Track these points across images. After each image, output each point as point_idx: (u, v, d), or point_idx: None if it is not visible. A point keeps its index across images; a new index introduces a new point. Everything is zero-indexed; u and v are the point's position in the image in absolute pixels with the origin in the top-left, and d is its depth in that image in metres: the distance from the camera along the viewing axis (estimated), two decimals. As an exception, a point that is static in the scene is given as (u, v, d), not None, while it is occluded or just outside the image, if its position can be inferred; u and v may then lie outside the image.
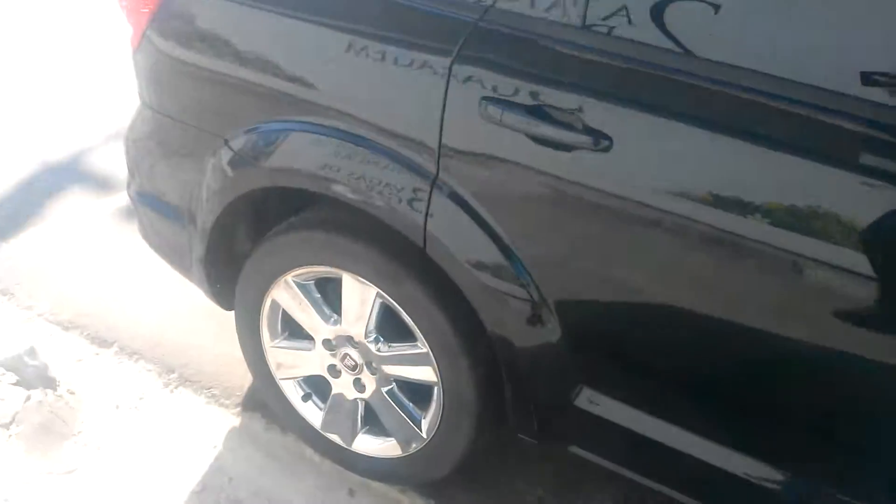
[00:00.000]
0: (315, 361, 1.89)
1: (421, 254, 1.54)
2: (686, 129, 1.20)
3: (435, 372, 1.69)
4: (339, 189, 1.58)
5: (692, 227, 1.24)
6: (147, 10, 1.74)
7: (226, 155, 1.72)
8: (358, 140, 1.52)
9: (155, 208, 2.05)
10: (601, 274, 1.39)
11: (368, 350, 1.77)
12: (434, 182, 1.45)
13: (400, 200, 1.50)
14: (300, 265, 1.76)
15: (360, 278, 1.67)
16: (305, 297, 1.80)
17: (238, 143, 1.69)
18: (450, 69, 1.37)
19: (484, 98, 1.34)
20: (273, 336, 1.93)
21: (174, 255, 2.10)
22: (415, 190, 1.48)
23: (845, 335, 1.20)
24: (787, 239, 1.16)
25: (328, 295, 1.82)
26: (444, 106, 1.39)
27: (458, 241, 1.47)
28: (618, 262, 1.36)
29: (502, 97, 1.33)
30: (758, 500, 1.42)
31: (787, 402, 1.33)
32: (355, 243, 1.64)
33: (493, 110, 1.33)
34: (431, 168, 1.45)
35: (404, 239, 1.56)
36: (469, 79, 1.36)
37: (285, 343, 1.93)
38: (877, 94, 1.09)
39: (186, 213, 1.91)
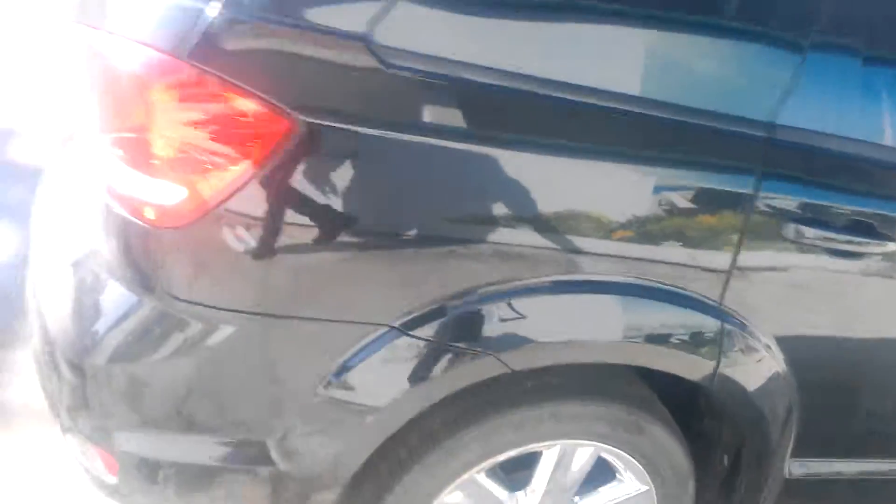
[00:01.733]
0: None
1: (671, 393, 1.41)
2: None
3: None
4: (612, 353, 1.31)
5: None
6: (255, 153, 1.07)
7: (409, 347, 1.21)
8: (637, 290, 1.27)
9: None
10: (855, 366, 1.50)
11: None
12: (721, 313, 1.32)
13: (681, 342, 1.33)
14: (496, 454, 1.37)
15: (578, 441, 1.41)
16: (484, 491, 1.41)
17: (433, 327, 1.20)
18: (755, 191, 1.26)
19: (792, 220, 1.29)
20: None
21: None
22: (700, 326, 1.32)
23: None
24: None
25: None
26: (743, 231, 1.28)
27: (744, 371, 1.38)
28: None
29: (809, 216, 1.30)
30: None
31: None
32: (589, 406, 1.38)
33: (798, 230, 1.30)
34: (715, 299, 1.32)
35: (656, 383, 1.39)
36: (775, 200, 1.28)
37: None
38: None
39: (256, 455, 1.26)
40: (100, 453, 1.29)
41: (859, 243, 1.35)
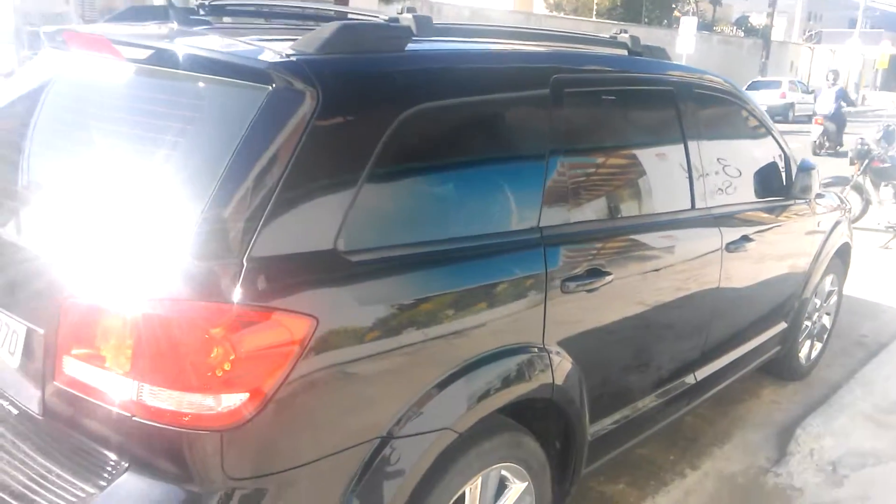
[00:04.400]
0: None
1: (532, 409, 2.11)
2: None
3: (532, 495, 2.21)
4: (507, 396, 1.98)
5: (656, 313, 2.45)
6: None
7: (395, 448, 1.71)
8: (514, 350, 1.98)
9: None
10: (616, 356, 2.39)
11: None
12: (545, 349, 2.08)
13: (542, 374, 2.05)
14: (453, 495, 1.91)
15: (492, 467, 2.02)
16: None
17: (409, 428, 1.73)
18: (545, 269, 2.05)
19: (563, 280, 2.10)
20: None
21: None
22: (541, 361, 2.06)
23: None
24: None
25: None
26: (546, 296, 2.06)
27: (564, 378, 2.15)
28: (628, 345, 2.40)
29: (570, 276, 2.13)
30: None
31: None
32: (493, 440, 2.00)
33: (566, 285, 2.12)
34: (541, 343, 2.07)
35: (522, 407, 2.07)
36: (554, 271, 2.08)
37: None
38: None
39: None
40: None
41: (594, 281, 2.21)
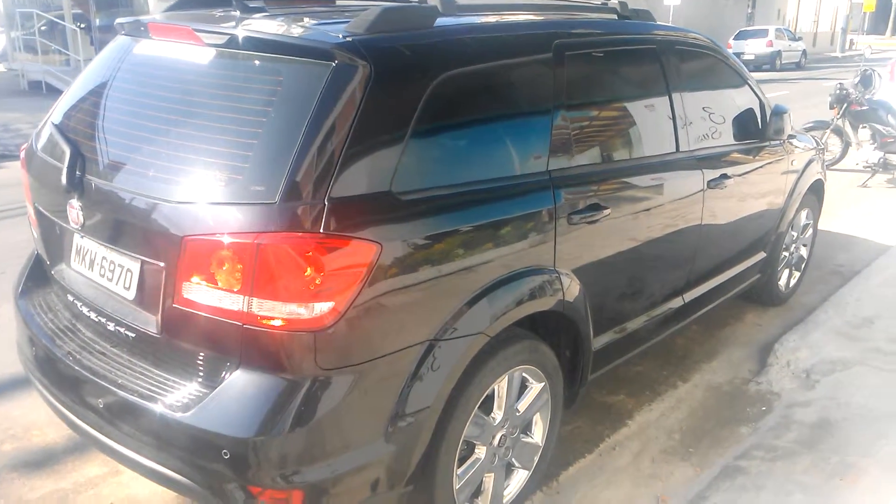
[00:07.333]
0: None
1: (546, 319, 2.55)
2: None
3: (548, 394, 2.67)
4: (528, 308, 2.42)
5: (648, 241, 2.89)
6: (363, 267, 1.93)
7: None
8: (531, 271, 2.41)
9: None
10: (614, 279, 2.85)
11: (513, 417, 2.55)
12: (556, 271, 2.51)
13: (554, 292, 2.48)
14: (484, 391, 2.36)
15: (515, 368, 2.47)
16: (482, 420, 2.41)
17: (449, 332, 2.16)
18: (555, 204, 2.47)
19: (568, 213, 2.52)
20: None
21: None
22: (554, 281, 2.49)
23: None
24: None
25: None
26: (556, 226, 2.48)
27: (573, 296, 2.58)
28: (624, 270, 2.85)
29: (575, 210, 2.55)
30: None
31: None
32: (516, 346, 2.44)
33: (570, 217, 2.54)
34: (552, 266, 2.50)
35: (539, 318, 2.50)
36: (561, 206, 2.50)
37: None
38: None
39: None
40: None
41: (594, 214, 2.64)
